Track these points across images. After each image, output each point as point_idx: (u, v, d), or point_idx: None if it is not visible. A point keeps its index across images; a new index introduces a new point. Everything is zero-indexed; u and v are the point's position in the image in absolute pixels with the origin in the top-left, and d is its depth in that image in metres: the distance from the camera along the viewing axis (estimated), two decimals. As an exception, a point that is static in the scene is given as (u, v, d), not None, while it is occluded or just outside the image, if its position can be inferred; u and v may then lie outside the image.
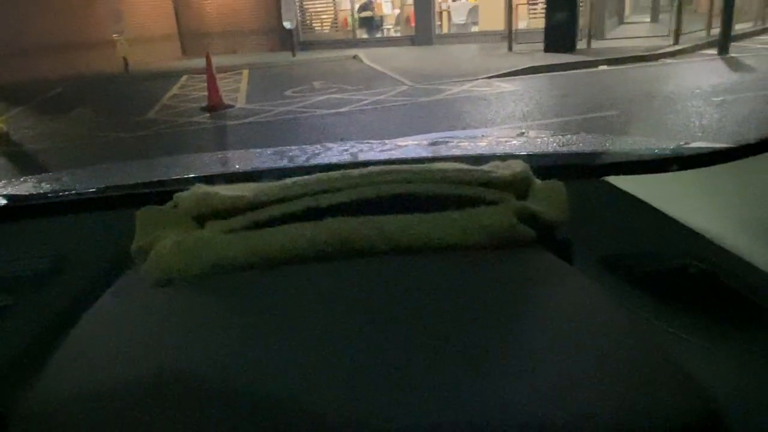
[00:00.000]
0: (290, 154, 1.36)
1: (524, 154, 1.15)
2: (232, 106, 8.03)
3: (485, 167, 0.69)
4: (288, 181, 0.64)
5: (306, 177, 0.64)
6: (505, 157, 0.75)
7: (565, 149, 1.33)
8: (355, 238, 0.59)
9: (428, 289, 0.55)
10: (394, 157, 1.23)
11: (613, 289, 0.67)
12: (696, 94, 6.61)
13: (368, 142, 1.50)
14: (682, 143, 1.15)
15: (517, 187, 0.68)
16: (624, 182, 0.90)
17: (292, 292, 0.56)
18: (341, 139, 5.73)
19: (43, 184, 1.23)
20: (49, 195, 1.10)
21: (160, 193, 0.85)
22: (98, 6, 14.73)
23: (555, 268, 0.60)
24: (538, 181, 0.71)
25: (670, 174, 0.89)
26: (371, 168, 0.65)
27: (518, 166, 0.69)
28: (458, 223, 0.61)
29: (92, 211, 0.95)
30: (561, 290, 0.56)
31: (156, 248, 0.60)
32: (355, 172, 0.64)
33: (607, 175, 0.92)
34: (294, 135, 6.37)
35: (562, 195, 0.68)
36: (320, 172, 0.65)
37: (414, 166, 0.66)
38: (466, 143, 1.54)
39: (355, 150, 1.40)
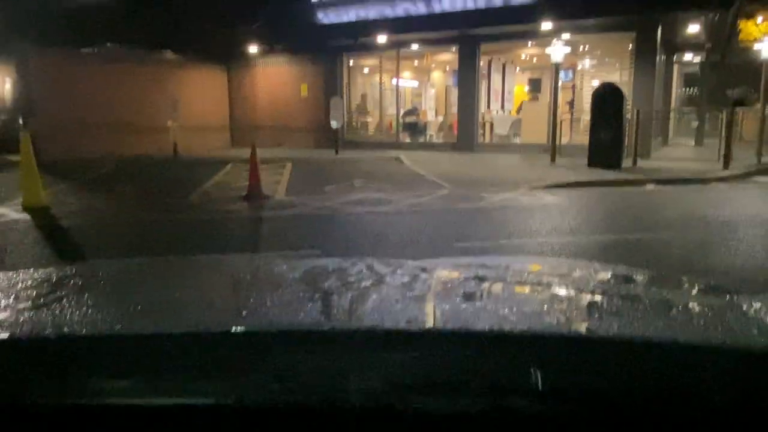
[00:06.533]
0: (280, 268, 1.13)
1: None
2: (271, 197, 8.00)
3: None
4: None
5: None
6: None
7: None
8: None
9: None
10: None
11: None
12: (756, 221, 6.21)
13: (386, 262, 1.16)
14: None
15: None
16: None
17: None
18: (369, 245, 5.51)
19: None
20: None
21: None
22: (159, 94, 15.64)
23: None
24: None
25: None
26: None
27: None
28: None
29: None
30: None
31: None
32: None
33: None
34: (328, 230, 6.19)
35: None
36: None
37: None
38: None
39: (366, 274, 1.07)
